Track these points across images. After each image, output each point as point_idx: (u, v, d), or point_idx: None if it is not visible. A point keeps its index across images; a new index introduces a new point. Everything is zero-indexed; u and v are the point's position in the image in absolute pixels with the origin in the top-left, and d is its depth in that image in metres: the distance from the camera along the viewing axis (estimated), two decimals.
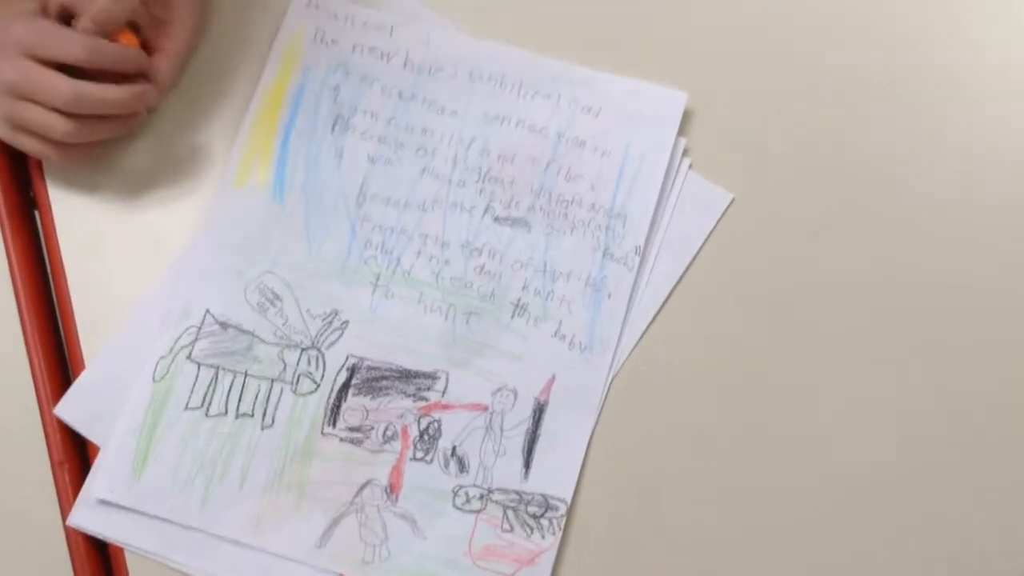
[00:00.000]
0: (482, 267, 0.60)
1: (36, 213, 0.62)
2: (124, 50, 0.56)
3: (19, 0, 0.55)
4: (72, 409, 0.58)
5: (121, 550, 0.56)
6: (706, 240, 0.61)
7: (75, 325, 0.59)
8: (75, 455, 0.58)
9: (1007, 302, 0.60)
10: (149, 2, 0.58)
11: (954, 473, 0.58)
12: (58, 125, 0.54)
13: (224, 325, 0.58)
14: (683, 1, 0.64)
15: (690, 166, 0.62)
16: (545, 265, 0.60)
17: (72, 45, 0.53)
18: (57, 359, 0.60)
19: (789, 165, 0.62)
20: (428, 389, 0.58)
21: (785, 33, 0.64)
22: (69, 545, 0.57)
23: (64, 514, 0.57)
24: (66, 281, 0.60)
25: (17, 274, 0.60)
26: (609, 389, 0.58)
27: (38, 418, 0.58)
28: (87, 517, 0.56)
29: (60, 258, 0.60)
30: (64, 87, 0.53)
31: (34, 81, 0.53)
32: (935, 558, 0.57)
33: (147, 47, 0.58)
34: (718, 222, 0.61)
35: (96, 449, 0.57)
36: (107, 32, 0.55)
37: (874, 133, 0.63)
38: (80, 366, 0.59)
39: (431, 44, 0.63)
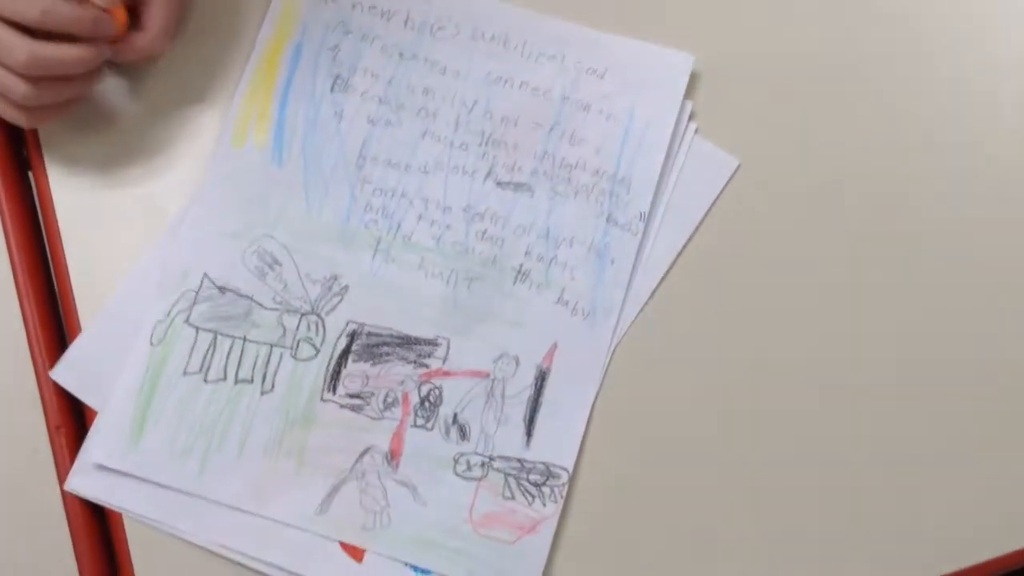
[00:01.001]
0: (484, 232, 0.59)
1: (30, 175, 0.61)
2: (80, 13, 0.53)
3: None
4: (68, 373, 0.57)
5: (119, 515, 0.56)
6: (711, 206, 0.60)
7: (71, 289, 0.59)
8: (72, 419, 0.57)
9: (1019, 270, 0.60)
10: None
11: (967, 458, 0.58)
12: (16, 87, 0.52)
13: (222, 289, 0.57)
14: None
15: (696, 130, 0.61)
16: (548, 231, 0.59)
17: (28, 4, 0.51)
18: (53, 323, 0.59)
19: (796, 130, 0.61)
20: (429, 356, 0.57)
21: None
22: (67, 510, 0.56)
23: (62, 479, 0.56)
24: (61, 243, 0.59)
25: (12, 237, 0.59)
26: (612, 356, 0.58)
27: (34, 382, 0.58)
28: (84, 482, 0.56)
29: (55, 220, 0.59)
30: (20, 48, 0.51)
31: None
32: (931, 542, 0.57)
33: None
34: (724, 188, 0.60)
35: (93, 413, 0.57)
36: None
37: (883, 99, 0.62)
38: (76, 330, 0.58)
39: (433, 2, 0.61)
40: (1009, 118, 0.62)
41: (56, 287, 0.59)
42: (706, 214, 0.60)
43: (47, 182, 0.60)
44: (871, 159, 0.61)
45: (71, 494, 0.56)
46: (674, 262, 0.59)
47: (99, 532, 0.57)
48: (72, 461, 0.56)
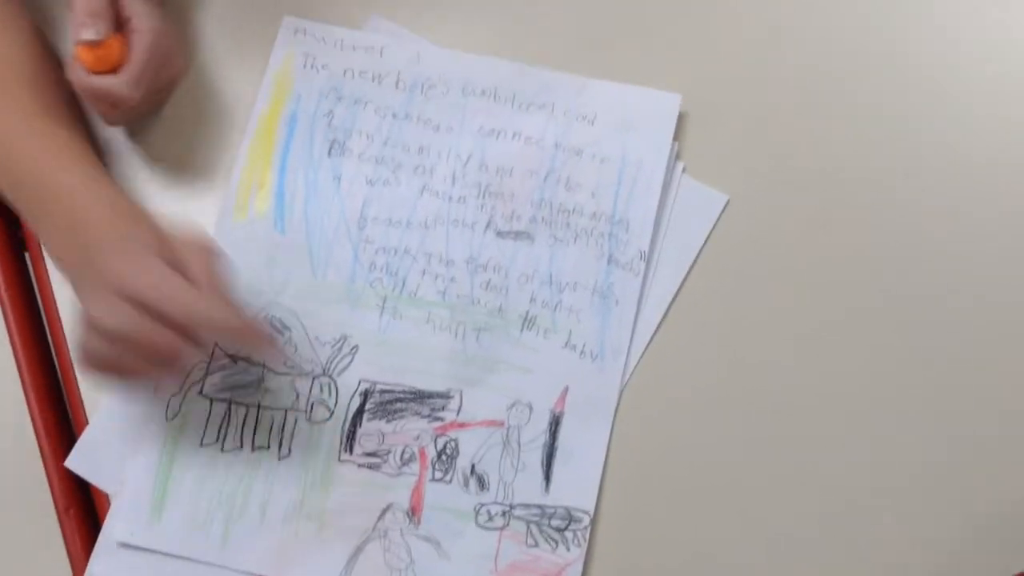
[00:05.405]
0: (488, 282, 0.60)
1: (27, 256, 0.61)
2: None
3: None
4: (81, 460, 0.57)
5: None
6: (705, 242, 0.61)
7: (72, 369, 0.58)
8: (80, 501, 0.57)
9: (1006, 300, 0.60)
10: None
11: (964, 470, 0.58)
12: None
13: (234, 358, 0.58)
14: (670, 3, 0.65)
15: (683, 169, 0.62)
16: (551, 276, 0.60)
17: None
18: (56, 405, 0.59)
19: (781, 162, 0.62)
20: (443, 409, 0.58)
21: (774, 32, 0.65)
22: None
23: (73, 560, 0.56)
24: (60, 323, 0.59)
25: (12, 320, 0.59)
26: (622, 396, 0.59)
27: (41, 467, 0.57)
28: (106, 565, 0.55)
29: (53, 302, 0.59)
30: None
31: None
32: (943, 552, 0.57)
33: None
34: (715, 223, 0.61)
35: (101, 494, 0.56)
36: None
37: (866, 132, 0.63)
38: (79, 410, 0.58)
39: (422, 62, 0.63)
40: (1002, 138, 0.62)
41: (58, 367, 0.59)
42: (700, 250, 0.61)
43: (44, 260, 0.60)
44: (857, 186, 0.62)
45: None
46: (674, 299, 0.60)
47: None
48: (83, 542, 0.56)
